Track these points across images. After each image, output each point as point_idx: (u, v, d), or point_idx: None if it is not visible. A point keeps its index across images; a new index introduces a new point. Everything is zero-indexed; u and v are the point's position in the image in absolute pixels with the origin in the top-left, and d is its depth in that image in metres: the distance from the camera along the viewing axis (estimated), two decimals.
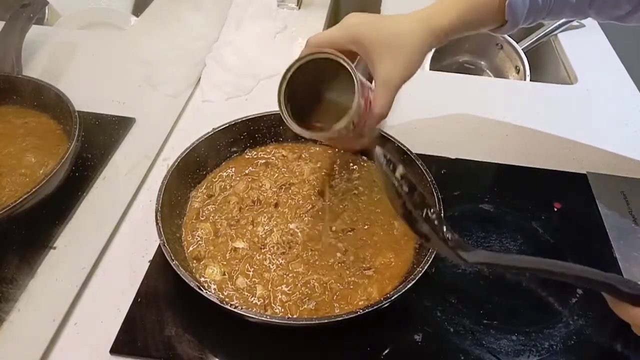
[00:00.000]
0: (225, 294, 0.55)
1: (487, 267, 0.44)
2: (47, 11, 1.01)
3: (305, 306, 0.54)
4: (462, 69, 1.08)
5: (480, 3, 0.57)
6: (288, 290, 0.55)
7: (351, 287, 0.56)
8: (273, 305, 0.54)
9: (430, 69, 1.01)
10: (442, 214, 0.45)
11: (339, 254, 0.59)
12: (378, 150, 0.42)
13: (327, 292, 0.55)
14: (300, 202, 0.65)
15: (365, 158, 0.71)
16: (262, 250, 0.59)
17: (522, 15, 0.59)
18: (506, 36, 1.04)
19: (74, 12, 1.00)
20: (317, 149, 0.72)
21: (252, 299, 0.54)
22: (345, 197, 0.66)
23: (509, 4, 0.57)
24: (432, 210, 0.43)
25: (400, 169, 0.42)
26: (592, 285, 0.44)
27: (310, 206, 0.64)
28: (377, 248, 0.60)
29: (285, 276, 0.56)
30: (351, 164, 0.70)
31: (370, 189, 0.67)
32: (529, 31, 1.09)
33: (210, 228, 0.61)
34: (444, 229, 0.43)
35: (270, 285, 0.56)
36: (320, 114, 0.55)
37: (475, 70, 1.09)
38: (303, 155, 0.71)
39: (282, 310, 0.53)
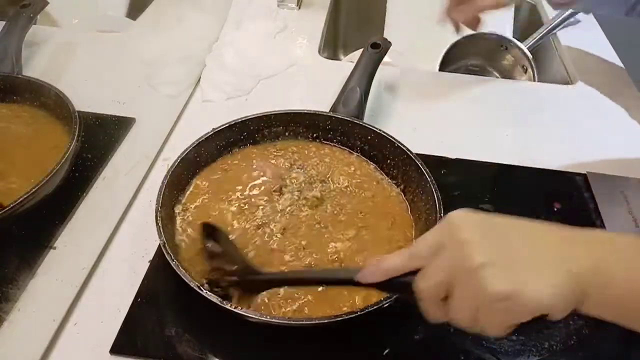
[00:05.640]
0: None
1: None
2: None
3: (289, 307, 0.53)
4: (468, 73, 1.06)
5: None
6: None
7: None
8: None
9: None
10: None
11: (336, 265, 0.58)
12: None
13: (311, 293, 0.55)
14: (295, 200, 0.64)
15: (364, 158, 0.71)
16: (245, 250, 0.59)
17: None
18: (511, 37, 1.03)
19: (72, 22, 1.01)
20: (314, 149, 0.72)
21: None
22: (337, 196, 0.66)
23: None
24: None
25: None
26: None
27: (304, 208, 0.64)
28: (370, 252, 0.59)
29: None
30: (350, 166, 0.70)
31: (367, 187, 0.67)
32: (530, 30, 1.09)
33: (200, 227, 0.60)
34: None
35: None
36: None
37: (482, 73, 1.07)
38: (296, 156, 0.71)
39: (264, 309, 0.53)
